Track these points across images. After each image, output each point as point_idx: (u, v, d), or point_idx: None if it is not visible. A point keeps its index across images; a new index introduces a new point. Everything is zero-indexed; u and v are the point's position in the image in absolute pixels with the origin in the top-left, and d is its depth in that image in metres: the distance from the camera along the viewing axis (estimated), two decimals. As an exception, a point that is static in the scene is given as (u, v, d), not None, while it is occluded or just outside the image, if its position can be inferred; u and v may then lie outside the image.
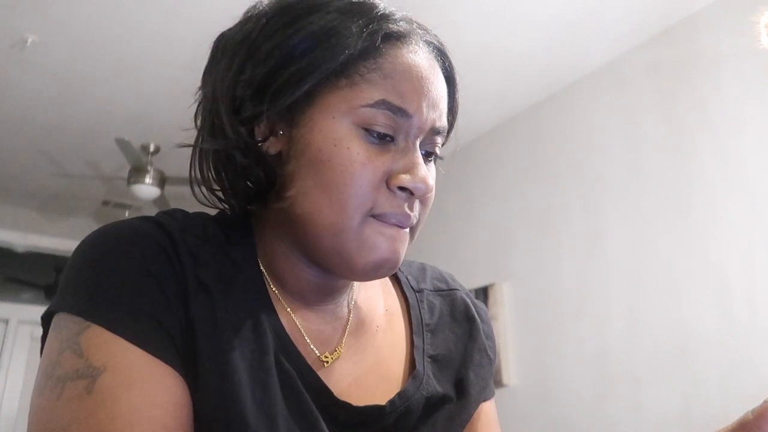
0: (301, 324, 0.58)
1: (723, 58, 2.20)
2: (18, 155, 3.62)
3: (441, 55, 0.60)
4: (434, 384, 0.62)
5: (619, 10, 2.33)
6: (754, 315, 1.97)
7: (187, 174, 0.61)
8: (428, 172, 0.55)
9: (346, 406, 0.55)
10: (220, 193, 0.61)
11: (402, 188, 0.54)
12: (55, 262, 4.47)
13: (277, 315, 0.56)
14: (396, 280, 0.71)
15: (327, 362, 0.58)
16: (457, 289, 0.73)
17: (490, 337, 0.71)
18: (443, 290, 0.72)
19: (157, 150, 3.45)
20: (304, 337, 0.58)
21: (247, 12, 0.59)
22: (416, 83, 0.55)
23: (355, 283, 0.65)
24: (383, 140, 0.54)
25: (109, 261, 0.50)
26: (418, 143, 0.56)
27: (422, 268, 0.74)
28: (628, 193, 2.47)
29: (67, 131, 3.31)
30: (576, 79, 2.79)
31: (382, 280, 0.67)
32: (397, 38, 0.56)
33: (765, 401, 0.47)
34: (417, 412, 0.60)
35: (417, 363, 0.63)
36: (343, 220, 0.53)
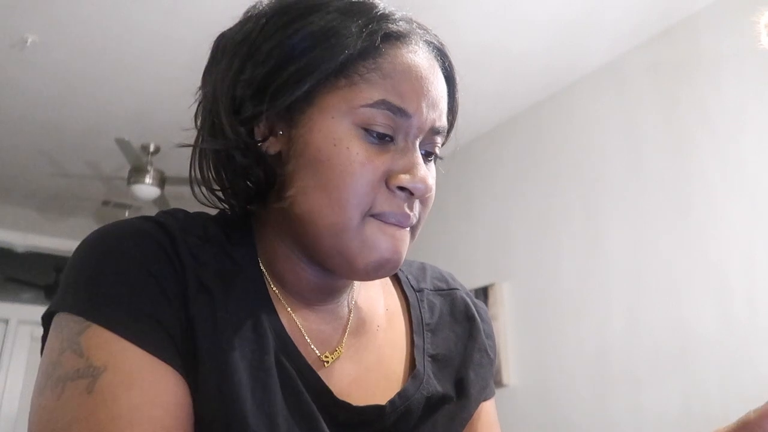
0: (301, 324, 0.58)
1: (723, 58, 2.20)
2: (18, 155, 3.62)
3: (441, 54, 0.60)
4: (434, 383, 0.62)
5: (619, 10, 2.33)
6: (754, 315, 1.97)
7: (187, 174, 0.61)
8: (428, 172, 0.55)
9: (346, 406, 0.55)
10: (220, 193, 0.61)
11: (401, 188, 0.54)
12: (55, 262, 4.47)
13: (278, 315, 0.56)
14: (396, 279, 0.71)
15: (327, 362, 0.58)
16: (458, 289, 0.73)
17: (491, 336, 0.71)
18: (443, 290, 0.72)
19: (157, 150, 3.45)
20: (304, 336, 0.58)
21: (247, 12, 0.59)
22: (416, 83, 0.55)
23: (356, 283, 0.65)
24: (383, 140, 0.54)
25: (109, 261, 0.50)
26: (417, 143, 0.56)
27: (422, 268, 0.74)
28: (628, 193, 2.47)
29: (67, 131, 3.31)
30: (576, 79, 2.80)
31: (382, 279, 0.67)
32: (396, 38, 0.56)
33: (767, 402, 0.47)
34: (417, 411, 0.60)
35: (417, 362, 0.63)
36: (342, 220, 0.53)
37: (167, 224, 0.54)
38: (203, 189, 0.61)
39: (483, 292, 2.95)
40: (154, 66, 2.72)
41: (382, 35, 0.55)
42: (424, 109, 0.55)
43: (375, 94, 0.53)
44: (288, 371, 0.53)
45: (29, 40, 2.49)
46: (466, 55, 2.51)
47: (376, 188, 0.53)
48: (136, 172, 3.38)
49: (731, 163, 2.14)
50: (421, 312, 0.68)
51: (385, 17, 0.56)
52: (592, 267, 2.56)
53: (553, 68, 2.72)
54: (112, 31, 2.48)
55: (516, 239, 2.96)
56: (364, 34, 0.54)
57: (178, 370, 0.48)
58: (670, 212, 2.30)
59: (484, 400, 0.68)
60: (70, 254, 0.53)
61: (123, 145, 3.14)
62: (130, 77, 2.82)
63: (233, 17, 0.60)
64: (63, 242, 4.35)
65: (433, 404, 0.61)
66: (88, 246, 0.52)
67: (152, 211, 0.58)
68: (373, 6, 0.57)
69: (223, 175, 0.59)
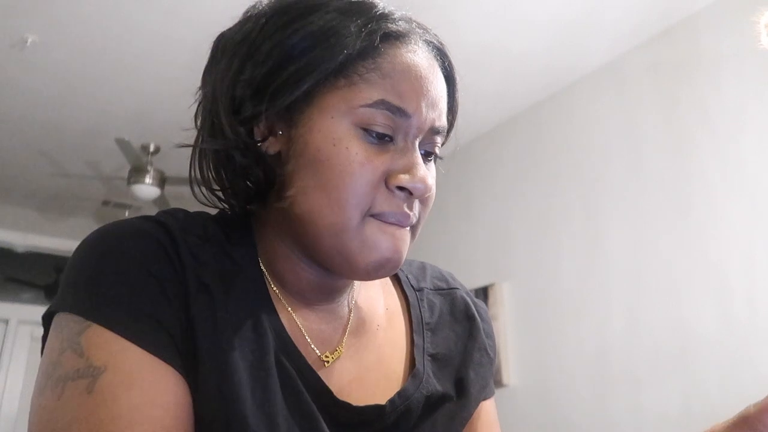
0: (301, 324, 0.58)
1: (723, 58, 2.20)
2: (18, 155, 3.62)
3: (440, 54, 0.60)
4: (434, 383, 0.62)
5: (619, 10, 2.33)
6: (754, 315, 1.97)
7: (187, 174, 0.61)
8: (427, 172, 0.55)
9: (346, 406, 0.55)
10: (220, 193, 0.61)
11: (401, 188, 0.54)
12: (55, 262, 4.47)
13: (278, 315, 0.56)
14: (396, 279, 0.71)
15: (327, 362, 0.58)
16: (457, 288, 0.73)
17: (490, 336, 0.71)
18: (443, 289, 0.72)
19: (157, 150, 3.45)
20: (304, 336, 0.58)
21: (247, 12, 0.59)
22: (415, 83, 0.55)
23: (356, 283, 0.65)
24: (382, 140, 0.54)
25: (109, 261, 0.50)
26: (417, 143, 0.56)
27: (422, 267, 0.74)
28: (628, 193, 2.47)
29: (67, 131, 3.31)
30: (576, 79, 2.80)
31: (382, 279, 0.67)
32: (396, 38, 0.56)
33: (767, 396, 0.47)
34: (417, 411, 0.60)
35: (417, 362, 0.63)
36: (342, 220, 0.53)
37: (167, 224, 0.54)
38: (203, 189, 0.61)
39: (483, 292, 2.95)
40: (154, 66, 2.72)
41: (382, 35, 0.55)
42: (424, 109, 0.55)
43: (374, 94, 0.53)
44: (288, 371, 0.53)
45: (29, 40, 2.49)
46: (466, 55, 2.50)
47: (375, 188, 0.53)
48: (136, 172, 3.38)
49: (731, 163, 2.14)
50: (421, 311, 0.68)
51: (385, 17, 0.56)
52: (592, 267, 2.56)
53: (553, 68, 2.72)
54: (112, 31, 2.48)
55: (516, 239, 2.96)
56: (364, 33, 0.54)
57: (178, 370, 0.48)
58: (670, 212, 2.30)
59: (484, 399, 0.68)
60: (70, 254, 0.53)
61: (123, 145, 3.14)
62: (130, 77, 2.82)
63: (233, 17, 0.60)
64: (63, 242, 4.34)
65: (433, 403, 0.61)
66: (88, 246, 0.52)
67: (152, 211, 0.58)
68: (373, 6, 0.57)
69: (223, 175, 0.59)
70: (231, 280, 0.54)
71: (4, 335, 4.19)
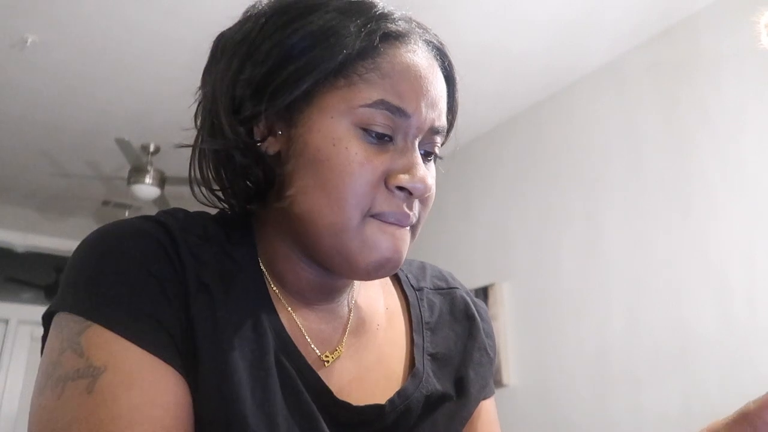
0: (301, 323, 0.58)
1: (723, 58, 2.20)
2: (18, 155, 3.62)
3: (440, 54, 0.60)
4: (434, 382, 0.62)
5: (619, 10, 2.33)
6: (754, 315, 1.97)
7: (187, 174, 0.61)
8: (427, 172, 0.55)
9: (346, 406, 0.55)
10: (219, 193, 0.61)
11: (401, 188, 0.54)
12: (55, 262, 4.47)
13: (278, 314, 0.56)
14: (396, 278, 0.71)
15: (327, 362, 0.58)
16: (457, 288, 0.73)
17: (490, 335, 0.71)
18: (443, 288, 0.72)
19: (157, 150, 3.45)
20: (304, 336, 0.58)
21: (247, 11, 0.59)
22: (415, 83, 0.55)
23: (356, 283, 0.65)
24: (382, 140, 0.54)
25: (109, 261, 0.50)
26: (417, 143, 0.56)
27: (422, 267, 0.74)
28: (628, 193, 2.47)
29: (67, 131, 3.31)
30: (576, 79, 2.80)
31: (382, 279, 0.67)
32: (395, 38, 0.56)
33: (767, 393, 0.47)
34: (417, 410, 0.60)
35: (417, 361, 0.63)
36: (342, 220, 0.53)
37: (167, 224, 0.54)
38: (203, 189, 0.61)
39: (483, 292, 2.95)
40: (154, 66, 2.72)
41: (381, 35, 0.55)
42: (423, 109, 0.55)
43: (374, 94, 0.53)
44: (288, 371, 0.53)
45: (29, 40, 2.49)
46: (466, 55, 2.51)
47: (375, 188, 0.53)
48: (136, 172, 3.38)
49: (731, 163, 2.14)
50: (420, 311, 0.68)
51: (384, 17, 0.56)
52: (592, 267, 2.56)
53: (553, 68, 2.72)
54: (112, 31, 2.48)
55: (516, 239, 2.96)
56: (363, 33, 0.54)
57: (178, 370, 0.48)
58: (670, 212, 2.30)
59: (484, 398, 0.68)
60: (70, 254, 0.53)
61: (123, 145, 3.14)
62: (130, 77, 2.82)
63: (233, 17, 0.60)
64: (63, 242, 4.35)
65: (433, 403, 0.61)
66: (88, 246, 0.52)
67: (152, 211, 0.58)
68: (372, 5, 0.57)
69: (223, 175, 0.59)
70: (231, 279, 0.54)
71: (4, 335, 4.19)
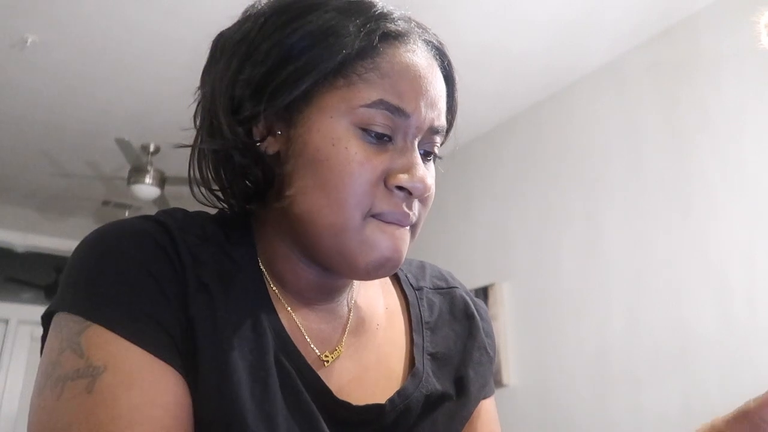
0: (301, 323, 0.58)
1: (723, 58, 2.20)
2: (18, 155, 3.62)
3: (440, 54, 0.60)
4: (434, 382, 0.62)
5: (619, 10, 2.33)
6: (754, 315, 1.97)
7: (186, 174, 0.61)
8: (427, 172, 0.55)
9: (346, 406, 0.55)
10: (219, 193, 0.61)
11: (400, 188, 0.54)
12: (55, 262, 4.47)
13: (277, 314, 0.56)
14: (395, 278, 0.71)
15: (327, 361, 0.58)
16: (457, 287, 0.73)
17: (490, 335, 0.71)
18: (443, 288, 0.72)
19: (157, 150, 3.45)
20: (304, 336, 0.58)
21: (246, 11, 0.59)
22: (414, 83, 0.55)
23: (355, 282, 0.65)
24: (381, 140, 0.54)
25: (109, 261, 0.50)
26: (416, 143, 0.56)
27: (421, 266, 0.74)
28: (628, 193, 2.47)
29: (67, 131, 3.31)
30: (576, 79, 2.79)
31: (381, 278, 0.67)
32: (395, 37, 0.56)
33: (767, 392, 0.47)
34: (416, 410, 0.60)
35: (416, 361, 0.63)
36: (342, 220, 0.53)
37: (166, 224, 0.54)
38: (202, 189, 0.61)
39: (483, 292, 2.95)
40: (154, 66, 2.72)
41: (381, 35, 0.55)
42: (423, 109, 0.55)
43: (373, 94, 0.53)
44: (288, 371, 0.53)
45: (29, 40, 2.49)
46: (466, 55, 2.51)
47: (374, 188, 0.53)
48: (136, 172, 3.38)
49: (731, 163, 2.14)
50: (420, 310, 0.68)
51: (384, 16, 0.56)
52: (592, 267, 2.55)
53: (553, 68, 2.72)
54: (112, 31, 2.48)
55: (516, 239, 2.96)
56: (362, 33, 0.54)
57: (177, 370, 0.48)
58: (670, 212, 2.30)
59: (484, 398, 0.68)
60: (70, 254, 0.53)
61: (123, 145, 3.14)
62: (130, 77, 2.82)
63: (233, 17, 0.60)
64: (63, 242, 4.35)
65: (433, 402, 0.61)
66: (88, 246, 0.52)
67: (152, 211, 0.58)
68: (372, 5, 0.57)
69: (222, 175, 0.59)
70: (230, 279, 0.54)
71: (4, 335, 4.19)
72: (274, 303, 0.57)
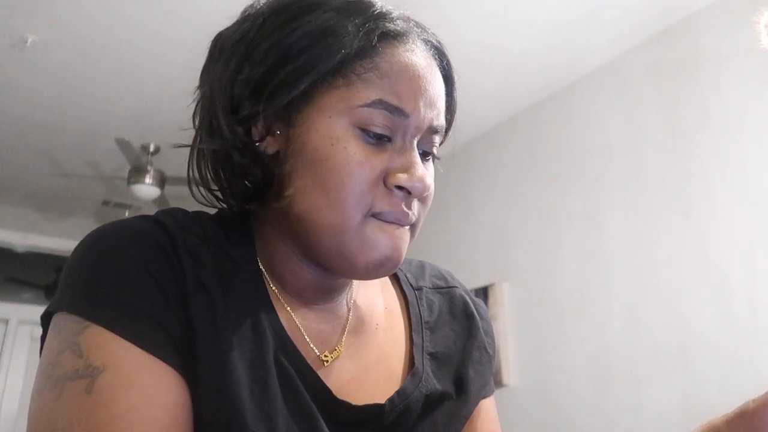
0: (300, 323, 0.58)
1: (723, 58, 2.20)
2: (18, 155, 3.62)
3: (439, 53, 0.59)
4: (433, 382, 0.62)
5: (619, 10, 2.33)
6: (754, 315, 1.97)
7: (186, 174, 0.61)
8: (426, 171, 0.55)
9: (346, 405, 0.55)
10: (218, 193, 0.61)
11: (399, 187, 0.54)
12: (55, 262, 4.47)
13: (277, 314, 0.56)
14: (395, 278, 0.71)
15: (327, 361, 0.58)
16: (456, 287, 0.73)
17: (490, 334, 0.71)
18: (442, 288, 0.72)
19: (157, 150, 3.45)
20: (303, 336, 0.58)
21: (245, 11, 0.59)
22: (413, 82, 0.55)
23: (355, 282, 0.65)
24: (380, 140, 0.54)
25: (108, 261, 0.50)
26: (415, 142, 0.56)
27: (421, 266, 0.74)
28: (628, 193, 2.47)
29: (67, 131, 3.31)
30: (576, 79, 2.79)
31: (381, 278, 0.67)
32: (394, 37, 0.56)
33: (767, 392, 0.47)
34: (416, 410, 0.60)
35: (416, 361, 0.63)
36: (342, 220, 0.53)
37: (166, 224, 0.54)
38: (202, 189, 0.61)
39: (483, 292, 2.95)
40: (154, 66, 2.72)
41: (379, 34, 0.55)
42: (422, 109, 0.55)
43: (372, 94, 0.53)
44: (287, 370, 0.53)
45: (29, 40, 2.49)
46: (466, 55, 2.51)
47: (374, 187, 0.53)
48: (136, 172, 3.38)
49: (731, 163, 2.14)
50: (420, 310, 0.68)
51: (383, 16, 0.56)
52: (592, 267, 2.55)
53: (553, 68, 2.72)
54: (112, 31, 2.48)
55: (516, 239, 2.96)
56: (361, 33, 0.54)
57: (177, 370, 0.48)
58: (670, 212, 2.29)
59: (484, 397, 0.68)
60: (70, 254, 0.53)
61: (123, 145, 3.14)
62: (130, 77, 2.82)
63: (233, 17, 0.60)
64: (63, 242, 4.35)
65: (433, 402, 0.61)
66: (87, 246, 0.52)
67: (152, 211, 0.58)
68: (371, 5, 0.57)
69: (222, 175, 0.59)
70: (230, 279, 0.54)
71: (4, 335, 4.19)
72: (274, 303, 0.57)
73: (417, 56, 0.56)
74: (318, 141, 0.53)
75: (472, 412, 0.66)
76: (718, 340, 2.04)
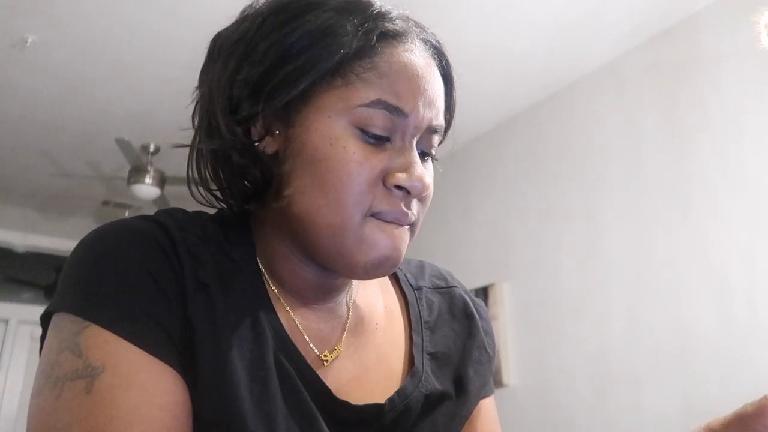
0: (300, 323, 0.58)
1: (723, 58, 2.20)
2: (18, 155, 3.62)
3: (438, 53, 0.59)
4: (433, 381, 0.62)
5: (620, 10, 2.33)
6: (754, 315, 1.97)
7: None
8: (425, 171, 0.55)
9: (345, 405, 0.55)
10: (218, 193, 0.61)
11: (399, 187, 0.54)
12: (55, 262, 4.47)
13: (276, 314, 0.56)
14: (395, 277, 0.71)
15: (326, 361, 0.58)
16: (456, 287, 0.73)
17: (489, 334, 0.71)
18: (442, 287, 0.72)
19: (157, 150, 3.45)
20: (303, 336, 0.58)
21: (244, 11, 0.59)
22: (412, 82, 0.55)
23: (354, 282, 0.65)
24: (379, 139, 0.54)
25: (108, 260, 0.50)
26: (414, 142, 0.56)
27: (421, 266, 0.74)
28: (628, 193, 2.47)
29: (67, 131, 3.31)
30: (576, 79, 2.79)
31: (380, 278, 0.67)
32: (392, 37, 0.56)
33: (765, 396, 0.47)
34: (416, 409, 0.60)
35: (416, 360, 0.63)
36: (342, 220, 0.53)
37: (166, 224, 0.54)
38: (201, 189, 0.61)
39: (483, 292, 2.95)
40: (154, 66, 2.72)
41: (378, 34, 0.55)
42: (421, 108, 0.55)
43: (371, 94, 0.53)
44: (287, 370, 0.53)
45: (29, 40, 2.49)
46: (467, 55, 2.51)
47: (373, 187, 0.53)
48: (136, 172, 3.38)
49: (731, 163, 2.14)
50: (419, 310, 0.68)
51: (382, 16, 0.56)
52: (592, 267, 2.55)
53: (554, 68, 2.72)
54: (112, 31, 2.48)
55: (516, 239, 2.96)
56: (360, 32, 0.54)
57: (176, 370, 0.48)
58: (670, 212, 2.29)
59: (484, 397, 0.68)
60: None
61: (123, 145, 3.14)
62: (130, 77, 2.82)
63: (233, 17, 0.60)
64: (63, 242, 4.35)
65: (432, 402, 0.61)
66: (86, 246, 0.52)
67: (152, 211, 0.58)
68: (370, 4, 0.57)
69: (221, 175, 0.59)
70: (230, 279, 0.54)
71: (4, 335, 4.19)
72: (273, 303, 0.57)
73: (416, 56, 0.56)
74: (317, 141, 0.53)
75: (472, 411, 0.66)
76: (718, 340, 2.04)
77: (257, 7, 0.58)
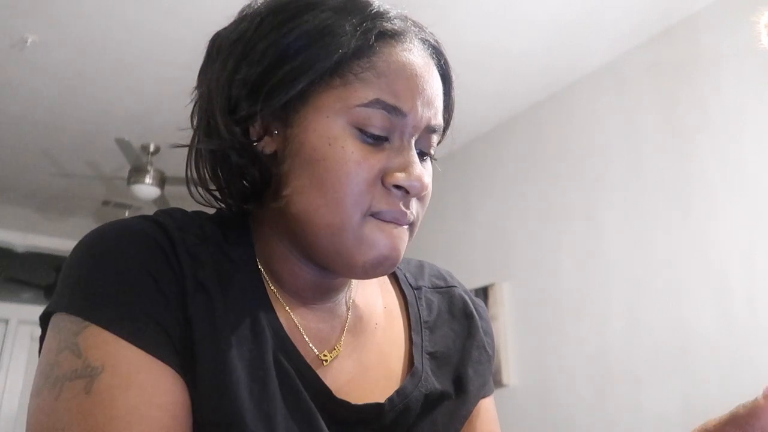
0: (299, 323, 0.58)
1: (723, 58, 2.20)
2: (18, 155, 3.62)
3: (436, 53, 0.59)
4: (433, 381, 0.62)
5: (620, 10, 2.33)
6: (754, 315, 1.97)
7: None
8: (423, 170, 0.55)
9: (345, 405, 0.55)
10: (216, 193, 0.61)
11: (397, 186, 0.54)
12: (55, 262, 4.47)
13: (276, 314, 0.56)
14: (394, 277, 0.71)
15: (326, 361, 0.58)
16: (455, 286, 0.73)
17: (489, 333, 0.71)
18: (441, 287, 0.72)
19: (157, 150, 3.45)
20: (302, 335, 0.58)
21: (242, 11, 0.59)
22: (411, 82, 0.55)
23: (354, 282, 0.65)
24: (378, 139, 0.54)
25: (107, 261, 0.50)
26: (413, 142, 0.56)
27: (420, 266, 0.74)
28: (628, 193, 2.47)
29: (67, 131, 3.31)
30: (576, 79, 2.79)
31: (380, 278, 0.67)
32: (391, 36, 0.56)
33: (756, 398, 0.48)
34: (416, 409, 0.60)
35: (415, 360, 0.63)
36: (340, 220, 0.53)
37: (165, 224, 0.54)
38: (200, 189, 0.61)
39: (483, 292, 2.95)
40: (154, 66, 2.72)
41: (377, 34, 0.55)
42: (419, 108, 0.55)
43: (370, 94, 0.53)
44: (286, 370, 0.53)
45: (29, 40, 2.49)
46: (466, 55, 2.51)
47: (372, 187, 0.53)
48: (136, 172, 3.38)
49: (731, 163, 2.14)
50: (419, 310, 0.68)
51: (380, 15, 0.56)
52: (592, 267, 2.55)
53: (553, 68, 2.72)
54: (112, 31, 2.48)
55: (516, 239, 2.96)
56: (359, 32, 0.54)
57: (176, 370, 0.48)
58: (670, 212, 2.29)
59: (483, 397, 0.68)
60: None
61: (123, 145, 3.14)
62: (130, 77, 2.82)
63: (232, 17, 0.60)
64: (63, 242, 4.35)
65: (432, 402, 0.61)
66: (86, 246, 0.52)
67: (152, 211, 0.58)
68: (368, 4, 0.57)
69: (220, 175, 0.59)
70: (229, 279, 0.54)
71: (4, 335, 4.19)
72: (273, 302, 0.57)
73: (414, 55, 0.56)
74: (315, 141, 0.53)
75: (472, 411, 0.66)
76: (718, 340, 2.04)
77: (256, 7, 0.58)
